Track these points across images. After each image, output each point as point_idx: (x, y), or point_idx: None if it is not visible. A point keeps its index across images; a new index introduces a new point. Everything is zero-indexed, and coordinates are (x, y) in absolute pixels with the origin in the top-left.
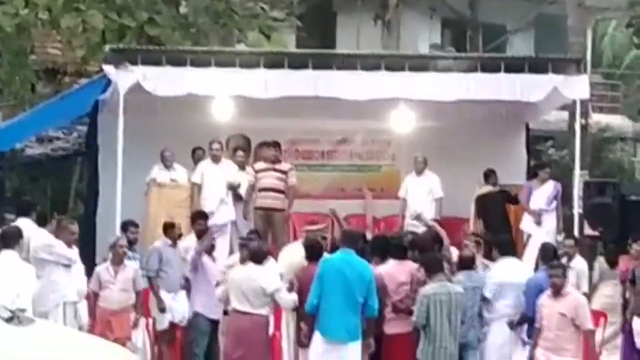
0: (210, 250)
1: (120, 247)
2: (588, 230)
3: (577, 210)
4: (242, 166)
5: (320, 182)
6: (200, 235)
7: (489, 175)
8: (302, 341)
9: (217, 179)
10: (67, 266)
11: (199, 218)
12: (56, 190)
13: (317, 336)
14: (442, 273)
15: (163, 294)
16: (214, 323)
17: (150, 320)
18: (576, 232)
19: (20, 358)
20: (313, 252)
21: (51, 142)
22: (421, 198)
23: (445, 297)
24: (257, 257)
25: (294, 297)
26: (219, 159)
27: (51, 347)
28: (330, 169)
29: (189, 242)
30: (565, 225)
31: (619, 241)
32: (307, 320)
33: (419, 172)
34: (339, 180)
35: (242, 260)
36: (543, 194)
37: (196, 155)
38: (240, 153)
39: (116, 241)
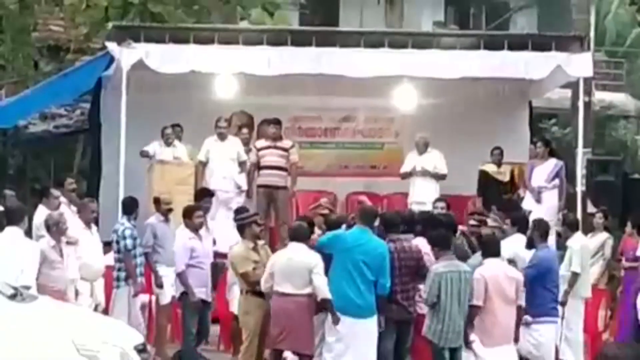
0: (199, 227)
1: (64, 223)
2: (591, 208)
3: (580, 188)
4: (246, 144)
5: (322, 160)
6: (205, 212)
7: (493, 153)
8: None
9: (222, 157)
10: (69, 243)
11: (204, 196)
12: (59, 167)
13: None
14: (450, 250)
15: (163, 268)
16: (203, 302)
17: (153, 298)
18: (579, 210)
19: (23, 334)
20: (296, 235)
21: (54, 119)
22: (425, 176)
23: (455, 276)
24: (299, 235)
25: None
26: (225, 136)
27: (54, 323)
28: (333, 147)
29: None
30: (569, 203)
31: (622, 218)
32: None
33: (421, 153)
34: (342, 157)
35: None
36: (543, 171)
37: (175, 132)
38: (244, 131)
39: (60, 219)
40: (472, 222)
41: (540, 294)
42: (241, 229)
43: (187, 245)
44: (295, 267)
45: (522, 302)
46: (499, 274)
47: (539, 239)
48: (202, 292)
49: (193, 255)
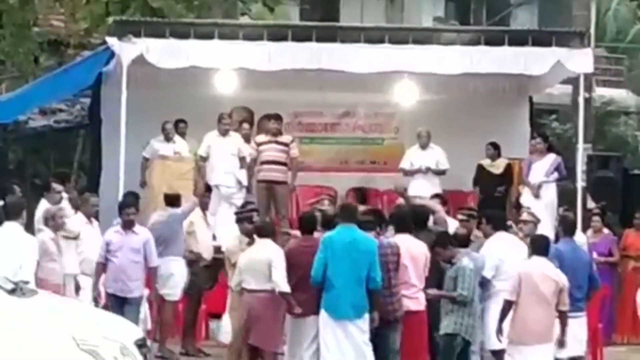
0: (126, 223)
1: (61, 217)
2: (591, 204)
3: (580, 183)
4: (246, 139)
5: (323, 155)
6: (205, 208)
7: (488, 148)
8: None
9: (223, 152)
10: (69, 238)
11: (204, 191)
12: (59, 162)
13: (324, 314)
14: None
15: (181, 261)
16: (120, 298)
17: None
18: (579, 206)
19: (23, 329)
20: (307, 225)
21: (54, 114)
22: (427, 173)
23: (473, 270)
24: (263, 231)
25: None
26: (228, 132)
27: (54, 318)
28: (333, 142)
29: (193, 215)
30: (569, 198)
31: (622, 214)
32: (316, 291)
33: (424, 147)
34: (342, 153)
35: (245, 234)
36: (542, 167)
37: (180, 127)
38: (245, 126)
39: (57, 212)
40: (460, 216)
41: None
42: (238, 223)
43: (104, 239)
44: (257, 262)
45: (564, 307)
46: (535, 273)
47: (562, 234)
48: (115, 286)
49: (108, 249)
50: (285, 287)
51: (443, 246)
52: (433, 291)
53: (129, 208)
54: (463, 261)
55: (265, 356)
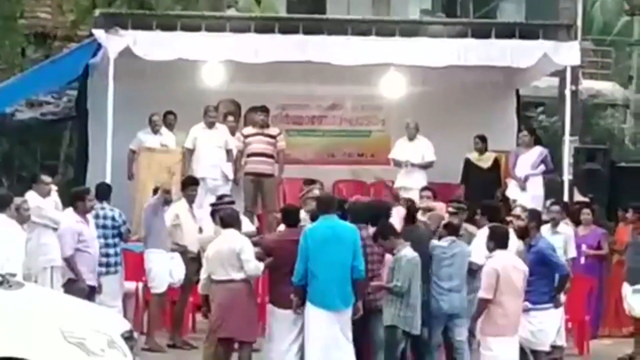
0: (88, 211)
1: (26, 210)
2: (578, 196)
3: (566, 176)
4: (232, 131)
5: (310, 148)
6: (191, 201)
7: (476, 142)
8: (295, 310)
9: (210, 144)
10: (57, 230)
11: (190, 184)
12: (46, 154)
13: (310, 307)
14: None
15: (162, 254)
16: (91, 287)
17: (140, 285)
18: (566, 198)
19: (9, 322)
20: (290, 217)
21: (41, 107)
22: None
23: (418, 261)
24: (227, 222)
25: (260, 265)
26: (214, 125)
27: (41, 311)
28: (320, 135)
29: (179, 207)
30: (555, 191)
31: (608, 207)
32: (297, 291)
33: (411, 138)
34: (329, 145)
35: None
36: (528, 159)
37: (168, 119)
38: (231, 118)
39: (22, 204)
40: (450, 209)
41: (541, 281)
42: (212, 215)
43: (74, 229)
44: (224, 253)
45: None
46: (508, 266)
47: (534, 230)
48: (89, 277)
49: (80, 239)
50: (260, 273)
51: (384, 237)
52: (374, 283)
53: (89, 194)
54: (401, 252)
55: (242, 348)
